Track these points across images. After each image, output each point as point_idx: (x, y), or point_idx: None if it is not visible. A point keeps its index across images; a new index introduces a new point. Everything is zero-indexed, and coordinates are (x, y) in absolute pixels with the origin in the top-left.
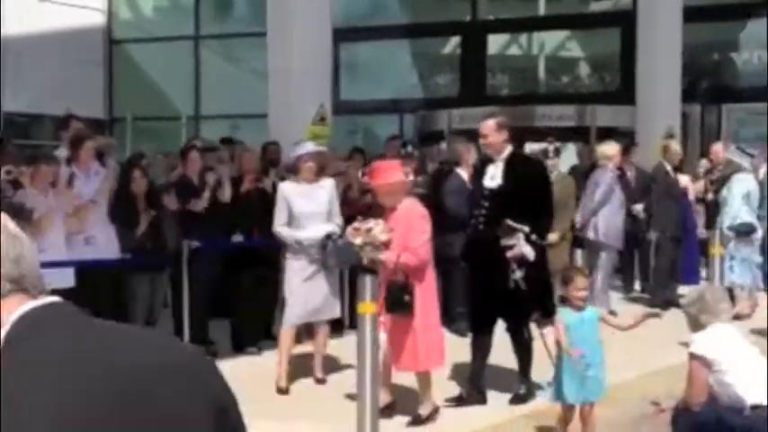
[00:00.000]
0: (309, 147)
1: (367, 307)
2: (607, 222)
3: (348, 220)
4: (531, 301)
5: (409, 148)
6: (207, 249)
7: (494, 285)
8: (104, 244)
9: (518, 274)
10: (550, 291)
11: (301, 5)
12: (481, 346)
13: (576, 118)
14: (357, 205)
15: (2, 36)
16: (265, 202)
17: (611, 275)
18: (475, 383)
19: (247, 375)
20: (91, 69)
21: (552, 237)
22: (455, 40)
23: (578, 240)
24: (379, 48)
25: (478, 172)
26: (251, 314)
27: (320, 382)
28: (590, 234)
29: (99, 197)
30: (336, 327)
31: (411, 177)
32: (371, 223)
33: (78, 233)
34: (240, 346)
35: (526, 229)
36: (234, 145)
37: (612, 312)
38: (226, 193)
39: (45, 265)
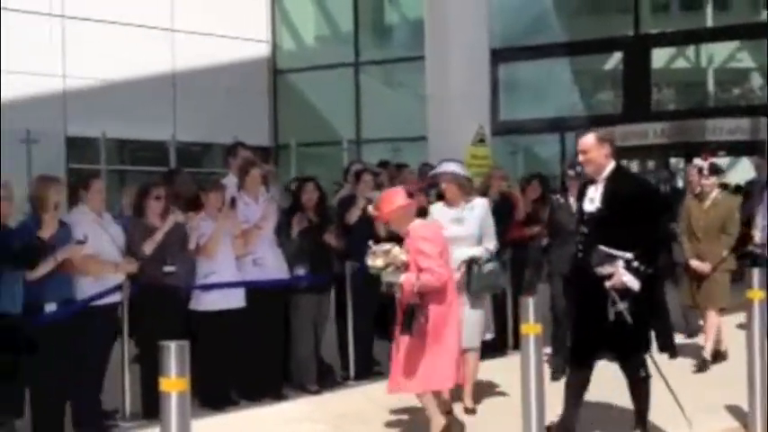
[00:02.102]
0: (448, 166)
1: (530, 328)
2: None
3: (511, 243)
4: (641, 335)
5: (578, 168)
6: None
7: (594, 318)
8: (272, 265)
9: (620, 306)
10: (666, 324)
11: (458, 28)
12: (573, 383)
13: (750, 131)
14: (522, 229)
15: (174, 71)
16: None
17: None
18: (565, 424)
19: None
20: (256, 99)
21: (704, 266)
22: (617, 56)
23: (754, 259)
24: (539, 66)
25: (580, 195)
26: None
27: (469, 411)
28: None
29: (263, 222)
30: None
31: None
32: (388, 245)
33: (245, 255)
34: None
35: (628, 255)
36: (398, 168)
37: None
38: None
39: (217, 286)
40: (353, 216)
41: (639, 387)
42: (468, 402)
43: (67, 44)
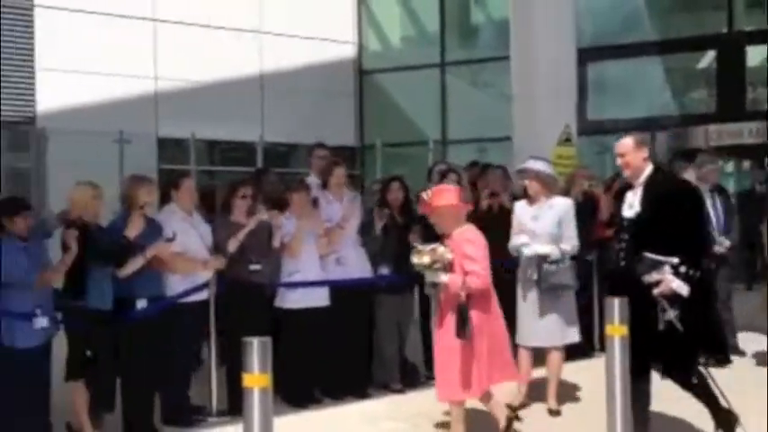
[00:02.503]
0: (534, 164)
1: (616, 329)
2: None
3: (596, 243)
4: (694, 342)
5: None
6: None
7: (643, 328)
8: (355, 264)
9: (671, 314)
10: (717, 329)
11: (544, 28)
12: (638, 396)
13: None
14: (605, 230)
15: (262, 73)
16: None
17: None
18: None
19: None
20: (342, 100)
21: None
22: (711, 54)
23: None
24: (629, 65)
25: (619, 200)
26: None
27: (553, 413)
28: None
29: (345, 222)
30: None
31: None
32: (434, 244)
33: (329, 254)
34: None
35: (674, 260)
36: (484, 168)
37: None
38: None
39: (301, 284)
40: None
41: (699, 391)
42: (553, 404)
43: (159, 47)
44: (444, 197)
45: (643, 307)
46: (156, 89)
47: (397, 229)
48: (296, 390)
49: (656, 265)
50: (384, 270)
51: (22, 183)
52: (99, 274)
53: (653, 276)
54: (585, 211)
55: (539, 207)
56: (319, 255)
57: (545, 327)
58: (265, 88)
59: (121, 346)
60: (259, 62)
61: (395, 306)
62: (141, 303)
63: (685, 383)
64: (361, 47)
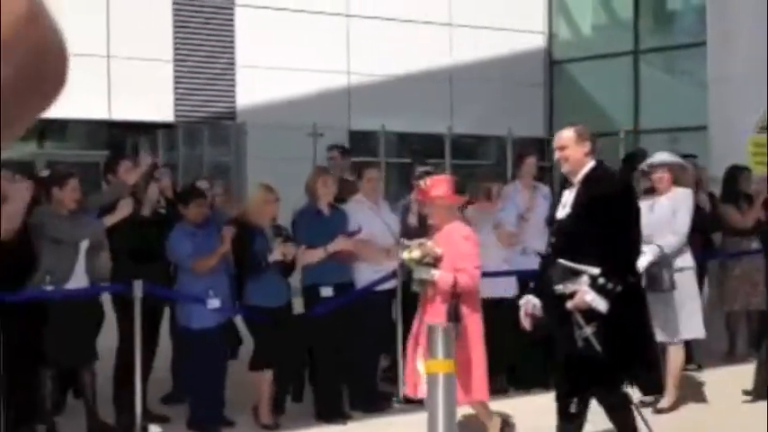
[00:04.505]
0: (660, 156)
1: None
2: None
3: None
4: (614, 364)
5: None
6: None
7: (562, 346)
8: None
9: (588, 331)
10: (635, 351)
11: (744, 12)
12: (564, 423)
13: None
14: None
15: (451, 65)
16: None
17: None
18: None
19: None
20: (532, 90)
21: None
22: None
23: None
24: None
25: (557, 199)
26: None
27: (664, 411)
28: None
29: (528, 213)
30: None
31: None
32: (421, 239)
33: (515, 245)
34: None
35: (594, 270)
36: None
37: None
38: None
39: (488, 274)
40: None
41: (620, 417)
42: (665, 402)
43: (351, 42)
44: (436, 188)
45: (560, 322)
46: (349, 83)
47: None
48: None
49: (572, 275)
50: None
51: (223, 176)
52: (257, 277)
53: (567, 287)
54: None
55: (657, 200)
56: (505, 245)
57: (662, 323)
58: (454, 80)
59: (310, 337)
60: (449, 54)
61: None
62: (326, 291)
63: (608, 407)
64: (551, 36)
